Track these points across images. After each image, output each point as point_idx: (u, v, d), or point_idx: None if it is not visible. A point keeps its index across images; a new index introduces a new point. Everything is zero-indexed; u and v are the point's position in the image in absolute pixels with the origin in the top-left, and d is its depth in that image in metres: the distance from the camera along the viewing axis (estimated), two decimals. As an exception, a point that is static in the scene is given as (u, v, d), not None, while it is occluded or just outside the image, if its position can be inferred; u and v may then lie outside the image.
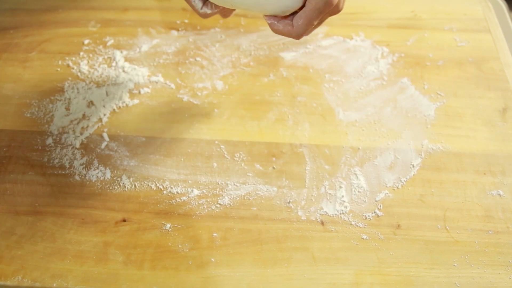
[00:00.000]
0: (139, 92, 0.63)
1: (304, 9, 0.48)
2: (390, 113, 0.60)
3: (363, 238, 0.50)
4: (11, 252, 0.49)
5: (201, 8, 0.51)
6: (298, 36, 0.49)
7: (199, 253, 0.49)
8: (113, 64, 0.65)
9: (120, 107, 0.61)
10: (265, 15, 0.50)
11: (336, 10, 0.49)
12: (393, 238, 0.50)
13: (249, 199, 0.53)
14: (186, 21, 0.71)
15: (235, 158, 0.56)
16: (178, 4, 0.72)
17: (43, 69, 0.65)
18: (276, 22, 0.50)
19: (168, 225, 0.51)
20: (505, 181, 0.54)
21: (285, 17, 0.49)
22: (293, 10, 0.48)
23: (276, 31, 0.50)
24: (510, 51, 0.67)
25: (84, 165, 0.55)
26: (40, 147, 0.57)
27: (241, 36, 0.69)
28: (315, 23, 0.49)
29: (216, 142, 0.58)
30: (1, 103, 0.61)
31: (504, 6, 0.76)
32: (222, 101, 0.62)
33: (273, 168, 0.55)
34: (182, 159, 0.56)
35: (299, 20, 0.48)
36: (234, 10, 0.52)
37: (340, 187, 0.54)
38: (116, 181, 0.54)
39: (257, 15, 0.54)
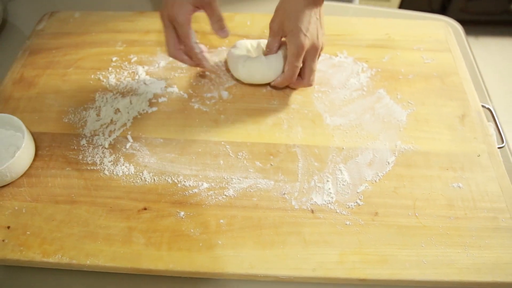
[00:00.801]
0: (158, 101, 0.62)
1: (287, 59, 0.55)
2: (369, 119, 0.60)
3: (346, 224, 0.49)
4: (52, 234, 0.48)
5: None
6: (290, 79, 0.57)
7: (208, 237, 0.48)
8: (136, 77, 0.65)
9: (141, 113, 0.60)
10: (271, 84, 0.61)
11: (315, 48, 0.55)
12: (371, 223, 0.49)
13: (250, 191, 0.52)
14: (198, 41, 0.69)
15: (238, 157, 0.55)
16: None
17: (78, 82, 0.64)
18: (277, 79, 0.59)
19: (182, 213, 0.50)
20: (464, 176, 0.54)
21: None
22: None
23: (282, 85, 0.60)
24: (466, 67, 0.67)
25: (112, 162, 0.54)
26: (75, 147, 0.56)
27: (243, 54, 0.68)
28: (297, 64, 0.55)
29: (222, 143, 0.57)
30: (44, 110, 0.60)
31: (461, 31, 0.76)
32: (227, 108, 0.61)
33: (271, 165, 0.54)
34: (193, 157, 0.55)
35: (286, 66, 0.56)
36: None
37: (327, 181, 0.53)
38: (139, 176, 0.53)
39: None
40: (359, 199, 0.51)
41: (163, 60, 0.67)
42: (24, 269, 0.49)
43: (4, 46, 0.74)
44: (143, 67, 0.66)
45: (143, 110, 0.60)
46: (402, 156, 0.55)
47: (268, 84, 0.62)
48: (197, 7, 0.54)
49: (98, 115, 0.60)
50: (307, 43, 0.54)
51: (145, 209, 0.50)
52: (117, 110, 0.60)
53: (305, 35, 0.54)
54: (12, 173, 0.51)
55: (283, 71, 0.59)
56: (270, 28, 0.57)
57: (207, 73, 0.65)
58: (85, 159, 0.55)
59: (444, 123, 0.59)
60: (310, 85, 0.57)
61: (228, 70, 0.64)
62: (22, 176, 0.53)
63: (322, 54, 0.68)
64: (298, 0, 0.53)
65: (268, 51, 0.59)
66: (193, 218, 0.50)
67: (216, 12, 0.55)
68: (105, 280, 0.48)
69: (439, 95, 0.62)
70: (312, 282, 0.48)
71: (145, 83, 0.64)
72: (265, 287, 0.48)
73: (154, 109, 0.61)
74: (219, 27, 0.56)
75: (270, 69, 0.59)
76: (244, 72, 0.60)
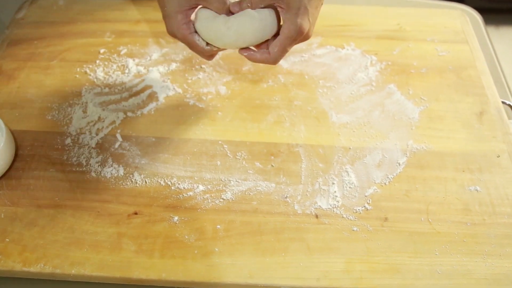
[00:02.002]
0: (149, 97, 0.62)
1: (278, 37, 0.49)
2: (378, 116, 0.60)
3: (353, 230, 0.49)
4: (34, 241, 0.48)
5: (206, 45, 0.51)
6: (274, 62, 0.50)
7: (204, 243, 0.48)
8: (126, 71, 0.65)
9: (132, 110, 0.60)
10: (240, 49, 0.51)
11: (306, 37, 0.50)
12: (381, 229, 0.50)
13: (249, 194, 0.52)
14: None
15: (237, 157, 0.56)
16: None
17: (63, 75, 0.64)
18: (252, 53, 0.51)
19: (176, 217, 0.50)
20: (481, 178, 0.54)
21: (259, 45, 0.51)
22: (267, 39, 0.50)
23: (254, 60, 0.51)
24: (485, 60, 0.67)
25: (99, 163, 0.55)
26: (60, 147, 0.56)
27: (242, 46, 0.68)
28: (289, 49, 0.50)
29: (220, 142, 0.57)
30: (25, 106, 0.61)
31: (480, 20, 0.76)
32: (225, 105, 0.61)
33: (272, 166, 0.55)
34: (188, 158, 0.55)
35: (274, 48, 0.49)
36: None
37: (333, 183, 0.53)
38: (129, 178, 0.54)
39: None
40: (367, 203, 0.52)
41: (155, 53, 0.67)
42: (3, 280, 0.49)
43: (-19, 37, 0.74)
44: (134, 60, 0.66)
45: (133, 107, 0.60)
46: (414, 156, 0.56)
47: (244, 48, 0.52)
48: (190, 7, 0.50)
49: (84, 112, 0.60)
50: (307, 29, 0.49)
51: (135, 213, 0.51)
52: (105, 107, 0.60)
53: (309, 20, 0.49)
54: (-10, 174, 0.52)
55: (275, 34, 0.50)
56: None
57: (203, 66, 0.66)
58: (70, 159, 0.55)
59: (460, 120, 0.59)
60: (275, 62, 0.51)
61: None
62: (0, 178, 0.53)
63: (327, 46, 0.69)
64: None
65: (247, 5, 0.49)
66: (188, 223, 0.50)
67: None
68: (92, 290, 0.49)
69: (455, 91, 0.63)
70: (316, 293, 0.48)
71: (135, 77, 0.64)
72: (265, 298, 0.49)
73: (146, 105, 0.61)
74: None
75: (266, 27, 0.49)
76: (231, 35, 0.49)
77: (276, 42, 0.49)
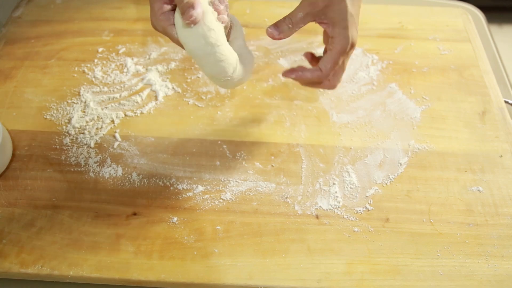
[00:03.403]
0: (148, 96, 0.62)
1: (329, 53, 0.47)
2: (380, 116, 0.60)
3: (354, 231, 0.50)
4: (31, 242, 0.48)
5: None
6: (329, 81, 0.49)
7: (204, 244, 0.48)
8: (125, 70, 0.65)
9: (131, 110, 0.60)
10: (284, 72, 0.50)
11: (354, 48, 0.49)
12: (382, 230, 0.50)
13: (249, 194, 0.52)
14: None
15: (236, 157, 0.56)
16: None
17: (61, 75, 0.65)
18: (301, 73, 0.49)
19: (175, 218, 0.50)
20: (484, 178, 0.54)
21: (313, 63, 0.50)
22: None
23: (305, 81, 0.49)
24: (488, 59, 0.67)
25: (98, 163, 0.55)
26: (58, 147, 0.57)
27: (242, 45, 0.68)
28: (340, 63, 0.48)
29: (219, 142, 0.57)
30: (23, 106, 0.61)
31: (482, 18, 0.76)
32: (224, 104, 0.61)
33: (272, 166, 0.55)
34: (187, 158, 0.56)
35: (327, 64, 0.47)
36: None
37: (334, 183, 0.53)
38: (127, 178, 0.54)
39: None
40: (368, 203, 0.52)
41: (154, 51, 0.67)
42: (0, 281, 0.49)
43: (-22, 36, 0.74)
44: (132, 59, 0.66)
45: (132, 106, 0.61)
46: (416, 156, 0.56)
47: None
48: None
49: (83, 111, 0.60)
50: (356, 39, 0.48)
51: (134, 214, 0.51)
52: (104, 106, 0.61)
53: (356, 29, 0.48)
54: (-12, 175, 0.52)
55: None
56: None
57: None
58: (68, 159, 0.55)
59: (462, 120, 0.60)
60: (334, 87, 0.49)
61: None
62: (-2, 178, 0.53)
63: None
64: None
65: (288, 26, 0.47)
66: (187, 224, 0.50)
67: None
68: (90, 292, 0.49)
69: (457, 90, 0.63)
70: (317, 295, 0.49)
71: (134, 76, 0.64)
72: (265, 299, 0.49)
73: (145, 105, 0.61)
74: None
75: (222, 66, 0.45)
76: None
77: (327, 58, 0.47)
